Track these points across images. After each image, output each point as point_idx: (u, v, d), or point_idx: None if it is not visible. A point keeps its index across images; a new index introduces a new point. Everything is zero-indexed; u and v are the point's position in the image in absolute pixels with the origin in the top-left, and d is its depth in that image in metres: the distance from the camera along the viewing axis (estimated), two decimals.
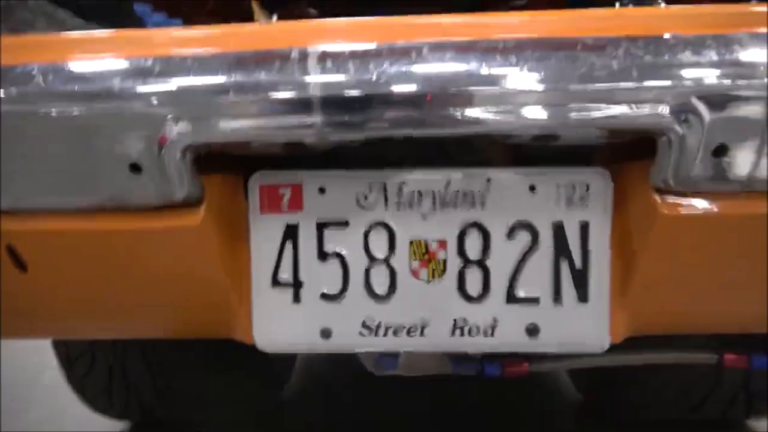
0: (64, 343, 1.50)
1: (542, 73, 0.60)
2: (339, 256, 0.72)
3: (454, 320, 0.71)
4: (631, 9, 0.90)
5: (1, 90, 0.64)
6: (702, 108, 0.60)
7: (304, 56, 0.63)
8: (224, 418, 1.64)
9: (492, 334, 0.71)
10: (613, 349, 0.81)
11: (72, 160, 0.67)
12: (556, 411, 1.83)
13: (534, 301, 0.71)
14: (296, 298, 0.73)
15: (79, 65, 0.66)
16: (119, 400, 1.56)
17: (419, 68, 0.62)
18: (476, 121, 0.62)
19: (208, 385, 1.56)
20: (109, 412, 1.63)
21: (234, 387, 1.60)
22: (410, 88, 0.61)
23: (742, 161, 0.63)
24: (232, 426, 1.67)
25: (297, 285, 0.73)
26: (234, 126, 0.64)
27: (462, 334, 0.71)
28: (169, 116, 0.63)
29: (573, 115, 0.61)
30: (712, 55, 0.60)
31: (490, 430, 1.61)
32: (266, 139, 0.66)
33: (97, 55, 0.66)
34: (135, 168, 0.67)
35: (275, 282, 0.73)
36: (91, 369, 1.51)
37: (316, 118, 0.63)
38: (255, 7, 1.12)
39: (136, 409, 1.58)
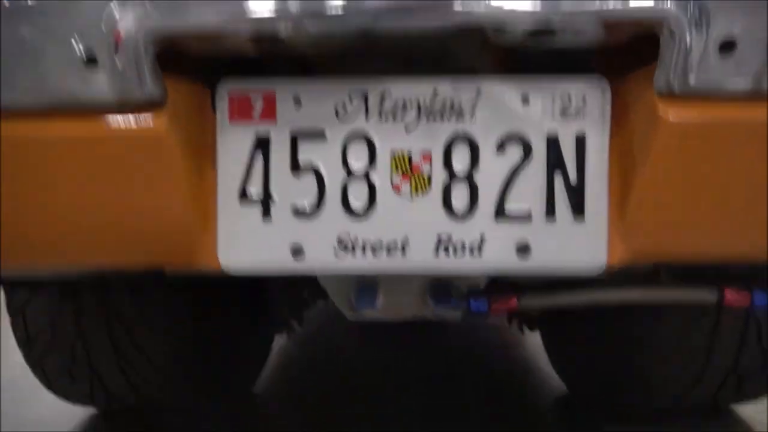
0: (22, 318, 1.40)
1: None
2: (314, 169, 0.66)
3: (438, 238, 0.65)
4: None
5: None
6: None
7: None
8: (194, 404, 1.55)
9: (479, 253, 0.65)
10: (610, 284, 0.76)
11: (19, 50, 0.61)
12: (540, 405, 1.76)
13: (525, 217, 0.65)
14: (266, 214, 0.66)
15: None
16: (82, 383, 1.46)
17: None
18: (465, 12, 0.57)
19: (178, 367, 1.47)
20: (73, 397, 1.52)
21: (206, 372, 1.52)
22: None
23: (753, 58, 0.58)
24: (205, 412, 1.58)
25: (267, 200, 0.66)
26: (200, 11, 0.59)
27: (447, 253, 0.65)
28: None
29: (567, 2, 0.57)
30: None
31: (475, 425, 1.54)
32: (237, 30, 0.60)
33: None
34: (90, 60, 0.61)
35: (243, 196, 0.66)
36: (51, 347, 1.41)
37: (293, 6, 0.58)
38: None
39: (101, 393, 1.48)
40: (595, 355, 1.57)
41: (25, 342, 1.45)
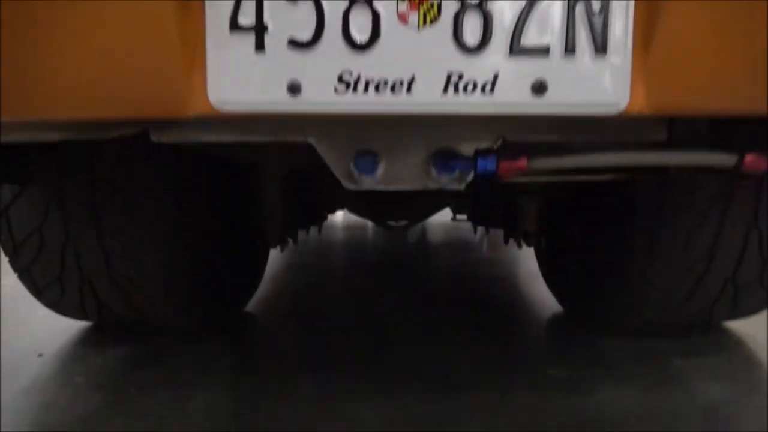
0: (6, 222, 1.35)
1: None
2: None
3: (448, 74, 0.60)
4: None
5: None
6: None
7: None
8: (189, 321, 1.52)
9: (491, 91, 0.60)
10: (625, 146, 0.72)
11: None
12: (535, 321, 1.76)
13: (542, 51, 0.60)
14: (259, 46, 0.60)
15: None
16: (72, 291, 1.42)
17: None
18: None
19: (169, 276, 1.43)
20: (63, 307, 1.49)
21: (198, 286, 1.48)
22: None
23: None
24: (198, 330, 1.56)
25: (260, 29, 0.60)
26: None
27: (456, 91, 0.60)
28: None
29: None
30: None
31: (468, 346, 1.53)
32: None
33: None
34: None
35: (234, 26, 0.61)
36: (39, 253, 1.36)
37: None
38: None
39: (92, 302, 1.44)
40: (590, 266, 1.55)
41: (11, 247, 1.40)
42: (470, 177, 0.73)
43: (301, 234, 1.90)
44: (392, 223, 2.18)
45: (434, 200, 1.83)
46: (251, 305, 1.82)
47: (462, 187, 0.75)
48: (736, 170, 0.70)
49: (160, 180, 1.25)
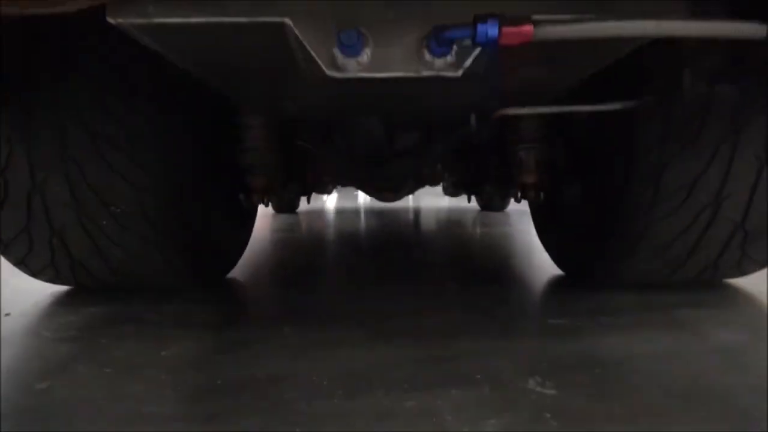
0: None
1: None
2: None
3: None
4: None
5: None
6: None
7: None
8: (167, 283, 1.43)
9: None
10: (646, 14, 0.64)
11: None
12: (536, 282, 1.68)
13: None
14: None
15: None
16: (42, 247, 1.32)
17: None
18: None
19: (148, 232, 1.33)
20: (33, 267, 1.39)
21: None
22: None
23: None
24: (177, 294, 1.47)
25: None
26: None
27: None
28: None
29: None
30: None
31: (466, 306, 1.45)
32: None
33: None
34: None
35: None
36: (4, 203, 1.27)
37: None
38: None
39: (65, 260, 1.34)
40: (590, 221, 1.48)
41: (4, 249, 1.31)
42: (468, 62, 0.65)
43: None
44: (384, 191, 2.09)
45: (427, 162, 1.74)
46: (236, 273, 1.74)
47: (459, 73, 0.67)
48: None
49: (136, 115, 1.16)
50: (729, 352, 1.01)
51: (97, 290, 1.48)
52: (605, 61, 0.90)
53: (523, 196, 1.52)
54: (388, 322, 1.18)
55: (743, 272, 1.43)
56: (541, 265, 1.83)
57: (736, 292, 1.46)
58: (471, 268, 1.91)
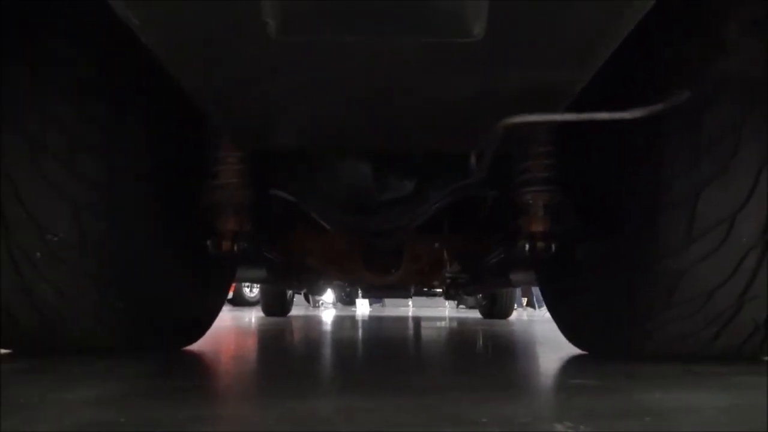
0: None
1: None
2: None
3: None
4: None
5: None
6: None
7: None
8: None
9: None
10: None
11: None
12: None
13: None
14: None
15: None
16: None
17: None
18: None
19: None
20: None
21: None
22: None
23: None
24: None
25: None
26: None
27: None
28: None
29: None
30: None
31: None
32: None
33: None
34: None
35: None
36: None
37: None
38: None
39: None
40: (609, 293, 1.27)
41: None
42: None
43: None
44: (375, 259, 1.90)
45: (422, 213, 1.55)
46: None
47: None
48: None
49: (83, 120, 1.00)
50: None
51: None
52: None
53: (531, 251, 1.32)
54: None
55: None
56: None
57: None
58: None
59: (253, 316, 4.19)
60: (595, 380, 0.96)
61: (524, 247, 1.31)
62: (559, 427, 0.57)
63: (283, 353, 1.61)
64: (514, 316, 4.19)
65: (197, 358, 1.34)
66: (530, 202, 1.29)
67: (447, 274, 2.45)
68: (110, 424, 0.59)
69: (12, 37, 0.99)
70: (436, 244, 2.11)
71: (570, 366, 1.28)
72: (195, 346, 1.48)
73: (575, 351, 1.48)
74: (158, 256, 1.21)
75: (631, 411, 0.69)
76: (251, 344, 1.87)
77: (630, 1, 0.68)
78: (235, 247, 1.28)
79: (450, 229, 2.00)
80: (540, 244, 1.30)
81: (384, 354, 1.59)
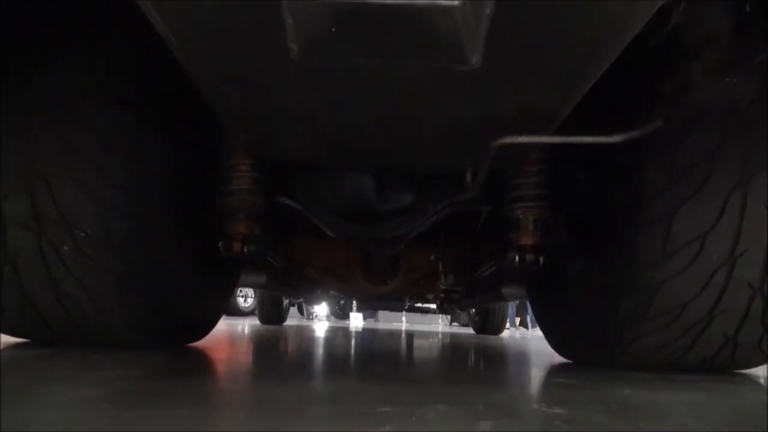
0: None
1: None
2: None
3: None
4: None
5: None
6: None
7: None
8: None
9: None
10: None
11: None
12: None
13: None
14: None
15: None
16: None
17: None
18: None
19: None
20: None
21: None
22: None
23: None
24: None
25: None
26: None
27: None
28: None
29: None
30: None
31: None
32: None
33: None
34: None
35: None
36: None
37: None
38: None
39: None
40: (593, 291, 1.35)
41: None
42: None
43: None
44: (374, 269, 1.99)
45: (420, 224, 1.64)
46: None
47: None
48: None
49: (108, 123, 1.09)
50: None
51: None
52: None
53: (521, 262, 1.41)
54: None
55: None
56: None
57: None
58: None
59: (247, 324, 4.25)
60: (574, 380, 1.05)
61: (514, 258, 1.41)
62: (535, 406, 0.66)
63: (283, 353, 1.69)
64: (507, 334, 4.27)
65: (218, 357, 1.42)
66: (521, 216, 1.39)
67: (442, 287, 2.53)
68: None
69: (50, 51, 1.09)
70: (432, 257, 2.20)
71: (554, 370, 1.37)
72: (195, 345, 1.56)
73: (562, 360, 1.56)
74: (174, 256, 1.30)
75: (602, 401, 0.77)
76: (248, 343, 1.95)
77: (609, 38, 0.78)
78: (245, 249, 1.37)
79: (445, 243, 2.09)
80: (529, 257, 1.39)
81: (378, 356, 1.67)
